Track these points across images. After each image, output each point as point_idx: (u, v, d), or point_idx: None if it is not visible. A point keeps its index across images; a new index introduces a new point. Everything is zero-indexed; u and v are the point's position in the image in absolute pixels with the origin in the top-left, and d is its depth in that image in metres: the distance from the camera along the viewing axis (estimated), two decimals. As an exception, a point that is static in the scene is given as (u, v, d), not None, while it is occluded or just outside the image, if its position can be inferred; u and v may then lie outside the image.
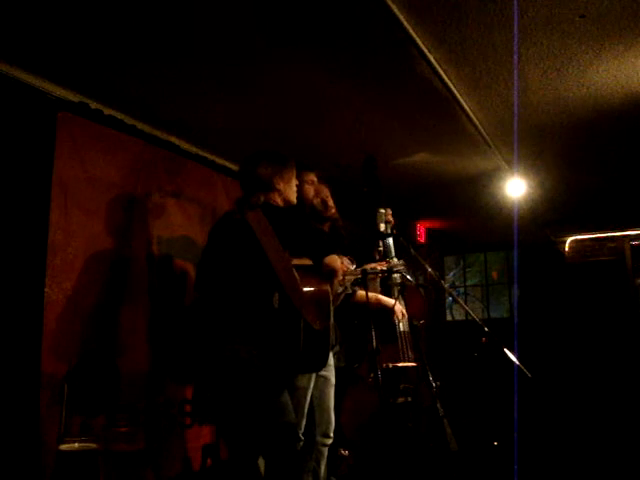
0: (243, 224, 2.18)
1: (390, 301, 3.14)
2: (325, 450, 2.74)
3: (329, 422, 2.75)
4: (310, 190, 2.85)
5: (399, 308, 3.15)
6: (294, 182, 2.44)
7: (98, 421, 2.88)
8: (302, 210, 2.82)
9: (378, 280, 3.24)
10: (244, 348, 2.10)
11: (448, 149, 4.20)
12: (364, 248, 3.25)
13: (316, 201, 2.88)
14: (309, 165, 2.90)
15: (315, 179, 2.89)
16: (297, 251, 2.25)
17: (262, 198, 2.28)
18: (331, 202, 3.06)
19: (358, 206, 3.23)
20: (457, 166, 4.57)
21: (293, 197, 2.43)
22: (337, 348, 2.76)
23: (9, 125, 2.77)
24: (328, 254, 2.20)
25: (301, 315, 2.12)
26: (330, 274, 2.24)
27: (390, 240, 3.25)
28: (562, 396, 5.66)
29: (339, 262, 2.25)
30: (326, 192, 3.07)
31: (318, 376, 2.67)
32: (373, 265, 2.97)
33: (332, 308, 2.29)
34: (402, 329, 3.19)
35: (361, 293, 2.90)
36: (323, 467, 2.74)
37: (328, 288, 2.26)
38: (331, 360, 2.81)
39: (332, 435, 2.76)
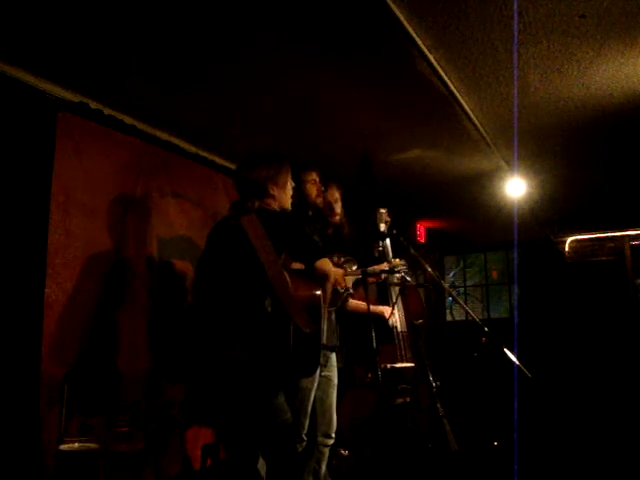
0: (238, 229, 2.20)
1: (382, 310, 3.11)
2: (326, 450, 2.74)
3: (331, 423, 2.75)
4: (312, 190, 2.83)
5: (391, 312, 3.12)
6: (289, 186, 2.42)
7: (98, 421, 2.88)
8: (302, 212, 2.82)
9: (375, 285, 3.23)
10: (238, 351, 2.10)
11: (448, 149, 4.20)
12: (365, 248, 3.25)
13: (319, 200, 2.85)
14: (309, 164, 2.88)
15: (317, 178, 2.86)
16: (290, 255, 2.27)
17: (257, 204, 2.28)
18: (338, 208, 3.05)
19: (356, 205, 3.22)
20: (457, 166, 4.57)
21: (287, 203, 2.41)
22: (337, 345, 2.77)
23: (9, 125, 2.77)
24: (319, 257, 2.20)
25: (291, 319, 2.15)
26: (322, 278, 2.24)
27: (387, 241, 3.24)
28: (562, 396, 5.66)
29: (330, 265, 2.26)
30: (336, 196, 3.06)
31: (321, 377, 2.67)
32: (375, 267, 2.97)
33: (323, 311, 2.30)
34: (400, 329, 3.19)
35: (354, 303, 2.90)
36: (324, 467, 2.74)
37: (319, 292, 2.28)
38: (334, 361, 2.81)
39: (334, 435, 2.76)
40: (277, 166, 2.38)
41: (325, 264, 2.21)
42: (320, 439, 2.70)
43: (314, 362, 2.31)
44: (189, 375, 2.40)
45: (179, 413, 3.40)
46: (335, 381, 2.81)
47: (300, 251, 2.25)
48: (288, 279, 2.20)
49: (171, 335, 3.42)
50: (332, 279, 2.29)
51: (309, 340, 2.21)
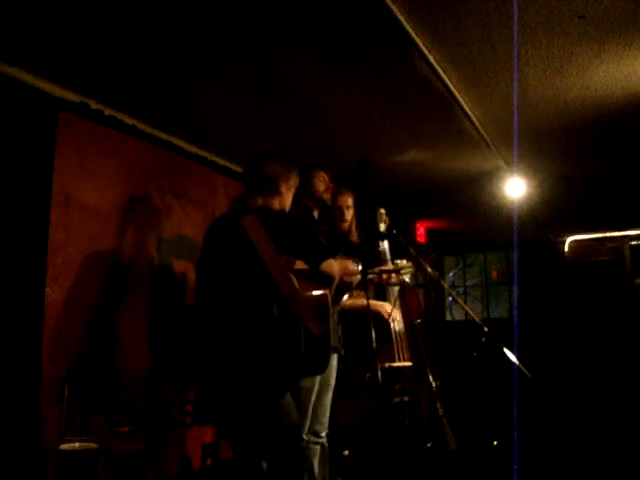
0: (238, 229, 2.15)
1: (380, 306, 3.10)
2: (316, 448, 2.74)
3: (322, 421, 2.75)
4: (320, 185, 2.91)
5: (385, 309, 3.12)
6: (293, 191, 2.43)
7: (98, 421, 2.88)
8: (308, 212, 2.84)
9: (374, 285, 3.22)
10: (246, 351, 2.08)
11: (448, 149, 4.20)
12: (366, 249, 3.24)
13: (326, 196, 2.91)
14: (323, 165, 2.97)
15: (326, 177, 2.93)
16: (293, 255, 2.26)
17: (260, 201, 2.25)
18: (349, 215, 3.10)
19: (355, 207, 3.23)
20: (457, 166, 4.57)
21: (288, 206, 2.41)
22: (343, 351, 2.78)
23: (9, 125, 2.77)
24: (325, 259, 2.19)
25: (301, 321, 2.11)
26: (328, 280, 2.23)
27: (386, 243, 3.23)
28: (562, 396, 5.66)
29: (336, 267, 2.23)
30: (349, 202, 3.12)
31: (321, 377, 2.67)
32: (380, 268, 2.98)
33: (331, 312, 2.28)
34: (397, 329, 3.18)
35: (349, 301, 2.90)
36: (316, 464, 2.73)
37: (327, 292, 2.26)
38: (334, 362, 2.81)
39: (323, 435, 2.77)
40: (291, 166, 2.39)
41: (331, 266, 2.19)
42: (307, 437, 2.70)
43: (323, 363, 2.30)
44: (197, 377, 2.38)
45: (180, 413, 3.40)
46: (332, 382, 2.81)
47: (304, 252, 2.22)
48: (294, 280, 2.16)
49: (172, 334, 3.43)
50: (337, 280, 2.29)
51: (318, 341, 2.19)
